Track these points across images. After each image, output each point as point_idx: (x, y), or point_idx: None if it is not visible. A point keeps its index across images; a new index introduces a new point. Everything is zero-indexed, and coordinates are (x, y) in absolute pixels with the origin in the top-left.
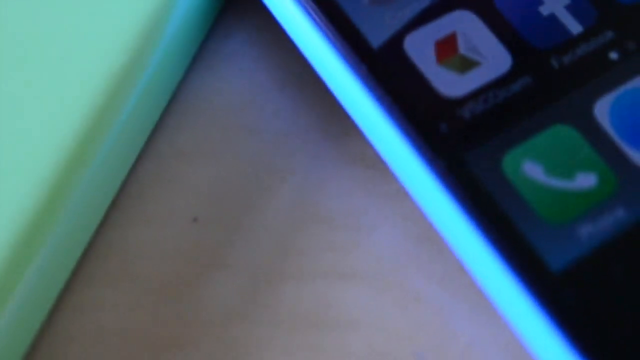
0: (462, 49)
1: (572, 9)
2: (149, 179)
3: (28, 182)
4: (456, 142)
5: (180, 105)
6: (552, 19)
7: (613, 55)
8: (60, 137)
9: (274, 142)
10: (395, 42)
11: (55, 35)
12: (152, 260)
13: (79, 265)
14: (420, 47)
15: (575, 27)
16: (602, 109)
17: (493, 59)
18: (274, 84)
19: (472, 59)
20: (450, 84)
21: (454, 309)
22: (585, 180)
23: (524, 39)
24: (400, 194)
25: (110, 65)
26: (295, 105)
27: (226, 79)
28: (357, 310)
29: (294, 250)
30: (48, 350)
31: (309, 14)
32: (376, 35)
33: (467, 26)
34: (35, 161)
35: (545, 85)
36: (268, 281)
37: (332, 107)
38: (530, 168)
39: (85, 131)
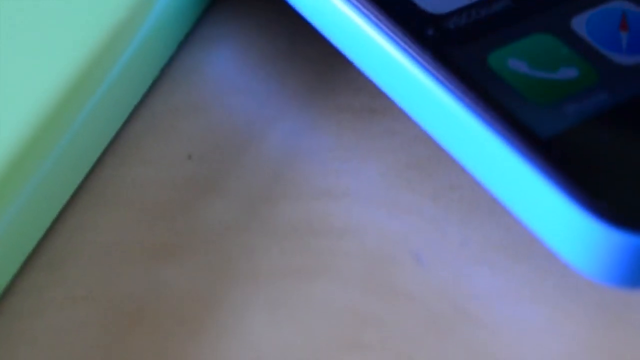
0: None
1: None
2: (145, 129)
3: (23, 116)
4: (442, 42)
5: (175, 70)
6: None
7: None
8: (58, 80)
9: (265, 98)
10: None
11: None
12: (148, 189)
13: (74, 196)
14: None
15: None
16: (580, 23)
17: None
18: (264, 54)
19: None
20: (435, 3)
21: (447, 216)
22: (568, 73)
23: None
24: (389, 133)
25: (107, 23)
26: (284, 71)
27: (218, 51)
28: (351, 219)
29: (287, 178)
30: (46, 265)
31: None
32: None
33: None
34: (31, 97)
35: (525, 4)
36: (263, 202)
37: (320, 71)
38: (514, 63)
39: (80, 79)
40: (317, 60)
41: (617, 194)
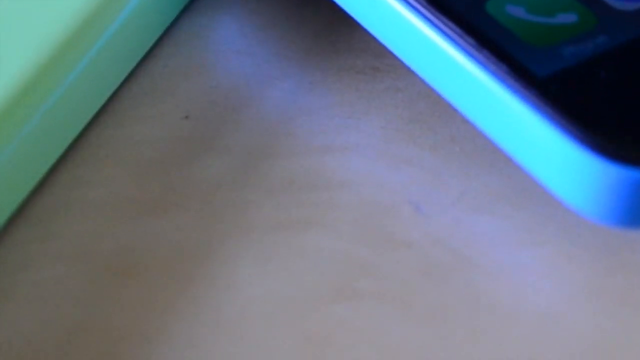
0: None
1: None
2: (142, 90)
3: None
4: None
5: (176, 34)
6: None
7: None
8: (55, 31)
9: (264, 60)
10: None
11: None
12: (143, 147)
13: (68, 152)
14: None
15: None
16: None
17: None
18: (265, 19)
19: None
20: None
21: (447, 167)
22: (566, 18)
23: None
24: (391, 90)
25: None
26: (285, 35)
27: (219, 16)
28: (349, 173)
29: (285, 135)
30: (34, 220)
31: None
32: None
33: None
34: (27, 48)
35: None
36: (259, 158)
37: (322, 34)
38: (512, 9)
39: (78, 33)
40: (319, 23)
41: (614, 130)
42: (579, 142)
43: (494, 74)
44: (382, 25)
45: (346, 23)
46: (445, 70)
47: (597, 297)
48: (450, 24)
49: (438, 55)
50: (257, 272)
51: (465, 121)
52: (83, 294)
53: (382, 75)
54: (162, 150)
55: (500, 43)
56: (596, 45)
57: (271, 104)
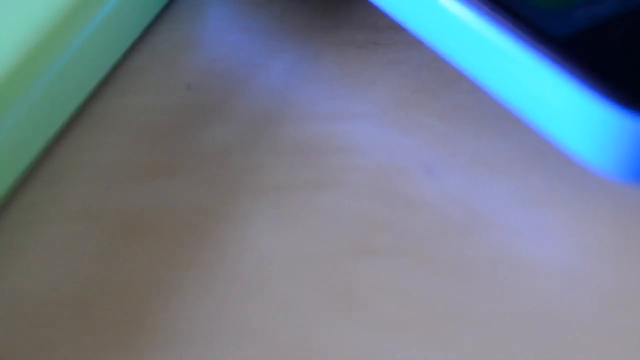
0: None
1: None
2: (145, 62)
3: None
4: None
5: (177, 9)
6: None
7: None
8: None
9: (266, 35)
10: None
11: None
12: (149, 115)
13: (74, 120)
14: None
15: None
16: None
17: None
18: None
19: None
20: None
21: (457, 132)
22: None
23: None
24: (394, 62)
25: None
26: (286, 11)
27: None
28: (359, 138)
29: (291, 102)
30: (44, 182)
31: None
32: None
33: None
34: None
35: None
36: (266, 124)
37: (322, 10)
38: None
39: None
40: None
41: (632, 82)
42: (598, 94)
43: (512, 36)
44: None
45: None
46: (461, 37)
47: (612, 253)
48: None
49: (453, 23)
50: (273, 229)
51: (468, 91)
52: (100, 250)
53: (384, 49)
54: (167, 118)
55: (516, 8)
56: (608, 9)
57: (275, 75)
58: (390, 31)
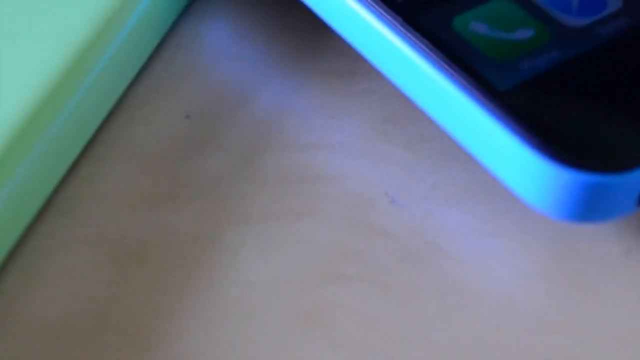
0: None
1: None
2: (148, 91)
3: (38, 77)
4: (413, 8)
5: (173, 42)
6: None
7: None
8: (68, 46)
9: (255, 64)
10: None
11: None
12: (151, 144)
13: (85, 149)
14: None
15: None
16: None
17: None
18: (254, 24)
19: None
20: None
21: (419, 163)
22: (524, 34)
23: None
24: (367, 92)
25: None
26: (272, 39)
27: (214, 24)
28: (335, 167)
29: (276, 133)
30: (59, 210)
31: None
32: None
33: None
34: (45, 60)
35: None
36: (253, 154)
37: (305, 38)
38: (476, 26)
39: (89, 45)
40: (303, 29)
41: (565, 137)
42: (535, 149)
43: (460, 86)
44: (360, 39)
45: (327, 27)
46: (417, 81)
47: (549, 280)
48: (421, 39)
49: (410, 67)
50: (256, 257)
51: (433, 122)
52: (107, 276)
53: (359, 78)
54: (167, 147)
55: (465, 58)
56: (550, 59)
57: (262, 104)
58: (365, 60)
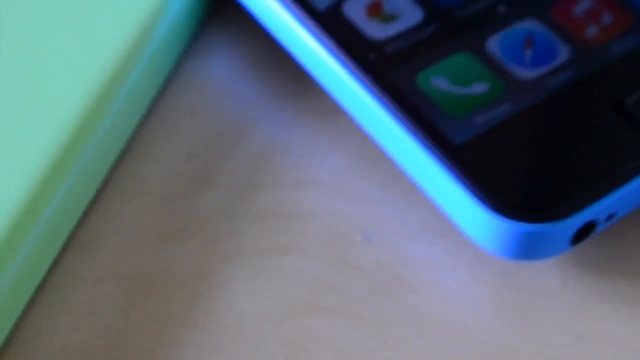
0: (385, 9)
1: None
2: (154, 130)
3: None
4: (381, 66)
5: (176, 82)
6: None
7: (501, 9)
8: (84, 97)
9: (249, 102)
10: (337, 7)
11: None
12: (155, 183)
13: (99, 190)
14: (355, 9)
15: None
16: (494, 42)
17: (409, 13)
18: (249, 64)
19: (392, 14)
20: (377, 30)
21: (390, 201)
22: (480, 88)
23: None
24: (348, 129)
25: (119, 46)
26: (266, 78)
27: (212, 62)
28: (316, 205)
29: (266, 171)
30: (78, 248)
31: None
32: (320, 4)
33: None
34: (62, 110)
35: (449, 30)
36: (246, 192)
37: (294, 77)
38: (437, 81)
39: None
40: (292, 69)
41: (507, 189)
42: (480, 201)
43: (418, 140)
44: (337, 91)
45: None
46: (382, 131)
47: (500, 310)
48: (386, 96)
49: (376, 119)
50: (247, 290)
51: None
52: (121, 308)
53: (341, 117)
54: (170, 187)
55: (425, 114)
56: (501, 113)
57: (255, 142)
58: None
